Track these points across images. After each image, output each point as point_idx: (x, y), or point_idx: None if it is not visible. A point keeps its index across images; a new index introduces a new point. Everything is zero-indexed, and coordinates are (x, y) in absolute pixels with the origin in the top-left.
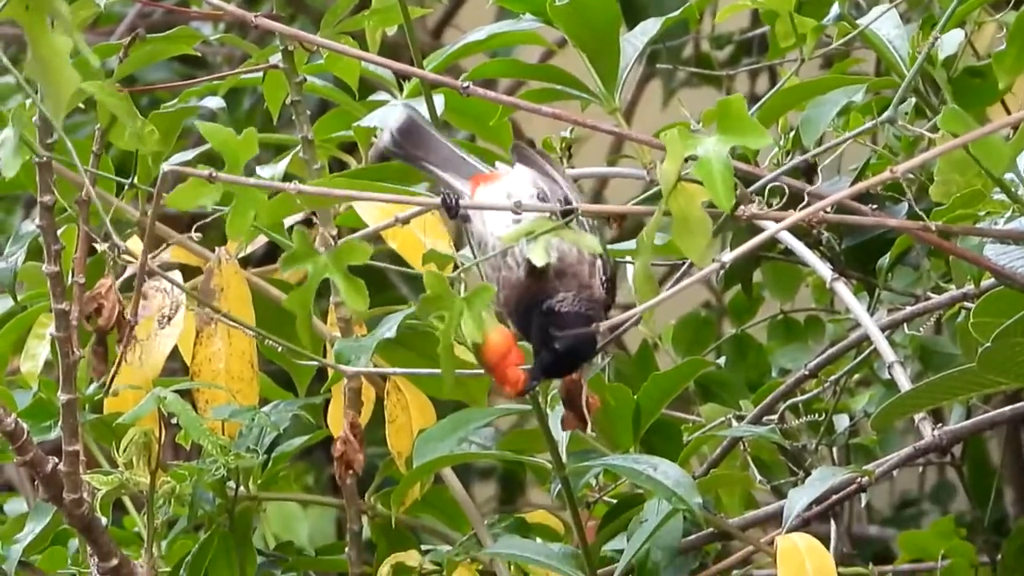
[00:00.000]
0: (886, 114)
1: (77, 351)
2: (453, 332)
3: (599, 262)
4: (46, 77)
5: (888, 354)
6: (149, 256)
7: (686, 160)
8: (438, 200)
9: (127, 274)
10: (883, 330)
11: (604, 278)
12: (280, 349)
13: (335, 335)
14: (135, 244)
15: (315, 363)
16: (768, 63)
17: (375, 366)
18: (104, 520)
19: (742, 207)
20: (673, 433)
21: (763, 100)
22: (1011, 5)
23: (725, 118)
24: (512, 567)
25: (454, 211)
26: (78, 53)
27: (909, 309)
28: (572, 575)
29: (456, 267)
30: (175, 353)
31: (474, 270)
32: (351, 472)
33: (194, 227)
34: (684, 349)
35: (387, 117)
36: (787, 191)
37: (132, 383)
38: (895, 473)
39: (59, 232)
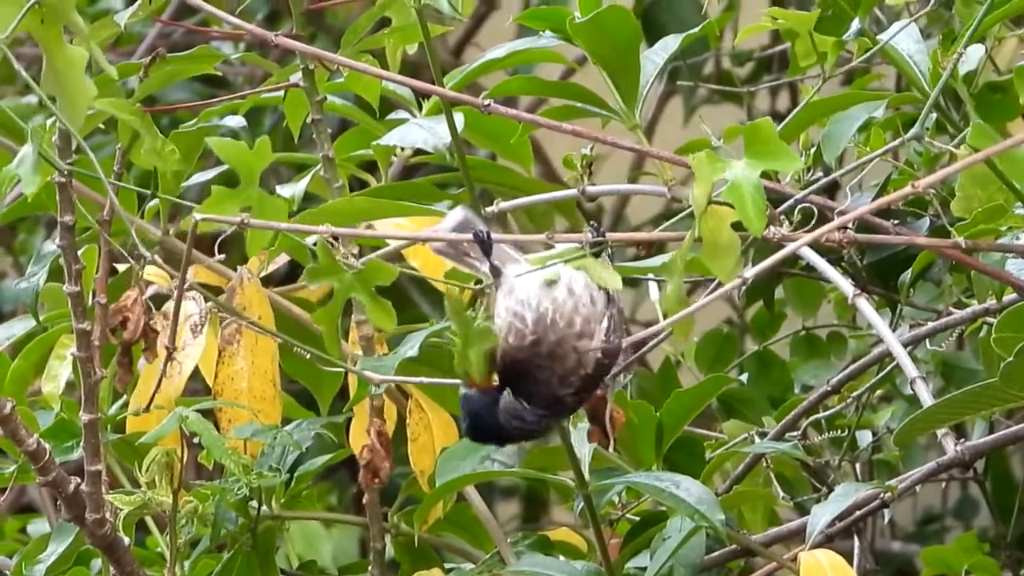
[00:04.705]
0: (913, 131)
1: (99, 371)
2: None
3: (605, 321)
4: (62, 90)
5: (910, 370)
6: (173, 276)
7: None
8: (470, 235)
9: (149, 293)
10: (905, 346)
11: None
12: (308, 356)
13: (357, 354)
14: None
15: (342, 369)
16: (789, 79)
17: (397, 385)
18: (127, 540)
19: (771, 228)
20: (696, 450)
21: (787, 120)
22: None
23: (754, 141)
24: None
25: (488, 246)
26: (100, 71)
27: (931, 324)
28: None
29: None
30: (197, 373)
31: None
32: (376, 480)
33: (216, 244)
34: (706, 366)
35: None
36: (815, 211)
37: (154, 402)
38: (918, 489)
39: (80, 252)
